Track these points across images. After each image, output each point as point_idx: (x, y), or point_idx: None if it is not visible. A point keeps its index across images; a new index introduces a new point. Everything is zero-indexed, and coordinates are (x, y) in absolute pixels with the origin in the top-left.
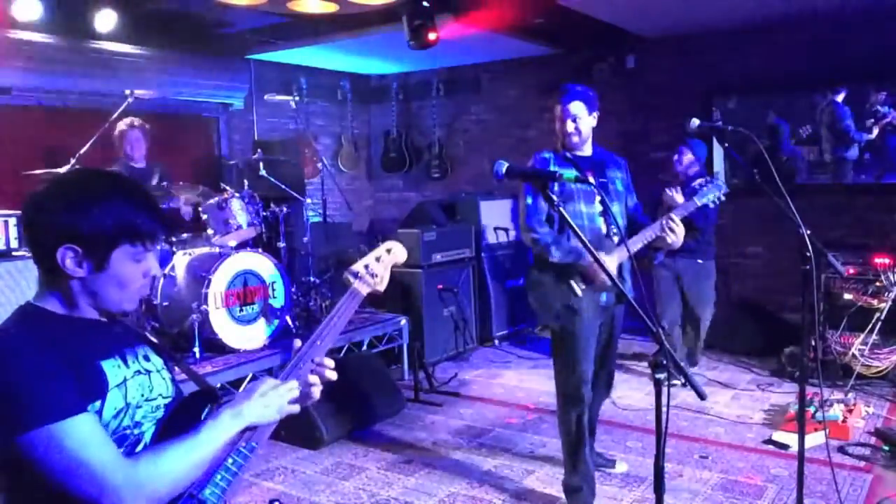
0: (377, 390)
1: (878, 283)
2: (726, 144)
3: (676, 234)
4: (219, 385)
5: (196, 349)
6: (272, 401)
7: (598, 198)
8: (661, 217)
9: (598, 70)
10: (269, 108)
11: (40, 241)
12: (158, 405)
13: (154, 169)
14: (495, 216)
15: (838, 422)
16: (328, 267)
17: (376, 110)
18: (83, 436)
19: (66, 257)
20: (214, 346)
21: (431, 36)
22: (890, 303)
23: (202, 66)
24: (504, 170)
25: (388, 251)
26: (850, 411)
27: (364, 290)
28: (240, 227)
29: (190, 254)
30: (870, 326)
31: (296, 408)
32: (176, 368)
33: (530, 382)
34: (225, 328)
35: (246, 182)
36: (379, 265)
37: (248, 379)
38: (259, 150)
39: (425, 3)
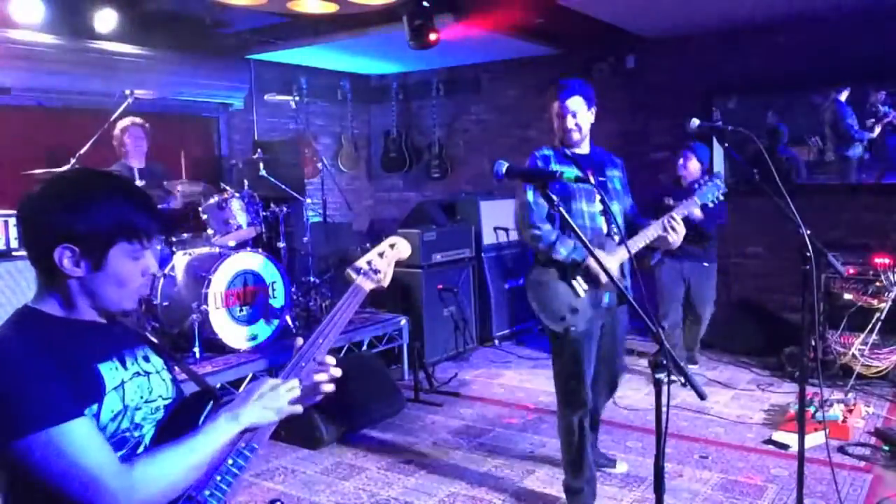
0: (377, 390)
1: (878, 283)
2: (726, 144)
3: (678, 234)
4: (219, 385)
5: (196, 349)
6: (271, 402)
7: (598, 197)
8: (662, 217)
9: (598, 70)
10: (269, 108)
11: (37, 241)
12: (158, 406)
13: (154, 169)
14: (495, 216)
15: (838, 422)
16: (328, 267)
17: (376, 110)
18: (79, 440)
19: (64, 257)
20: (214, 346)
21: (432, 36)
22: (890, 303)
23: (202, 66)
24: (504, 170)
25: (392, 246)
26: (850, 411)
27: (367, 286)
28: (240, 227)
29: (190, 254)
30: (870, 326)
31: (297, 408)
32: (176, 369)
33: (530, 382)
34: (225, 328)
35: (246, 182)
36: (382, 261)
37: (248, 379)
38: (259, 150)
39: (425, 3)
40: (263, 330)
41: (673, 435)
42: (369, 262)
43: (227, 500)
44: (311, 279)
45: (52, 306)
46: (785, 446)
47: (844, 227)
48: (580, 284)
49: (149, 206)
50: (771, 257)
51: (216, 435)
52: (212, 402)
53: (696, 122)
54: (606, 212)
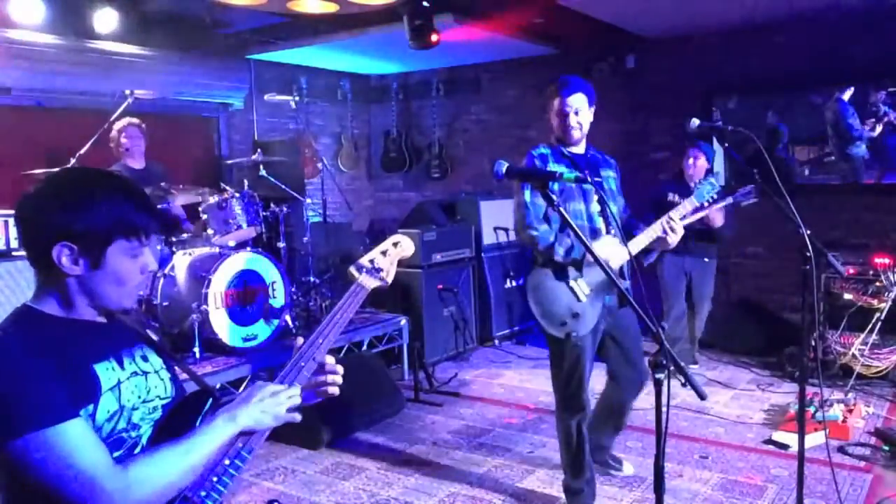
0: (377, 390)
1: (878, 283)
2: (726, 144)
3: (676, 234)
4: (219, 385)
5: (196, 349)
6: (270, 407)
7: (595, 197)
8: (662, 217)
9: (597, 70)
10: (269, 108)
11: (35, 240)
12: (156, 406)
13: (153, 169)
14: (495, 216)
15: (838, 422)
16: (328, 267)
17: (376, 110)
18: (74, 441)
19: (62, 255)
20: (214, 346)
21: (433, 37)
22: (890, 303)
23: (202, 66)
24: (504, 170)
25: (395, 245)
26: (850, 411)
27: (370, 285)
28: (240, 227)
29: (190, 254)
30: (870, 326)
31: (295, 416)
32: (176, 368)
33: (530, 382)
34: (225, 328)
35: (246, 182)
36: (385, 259)
37: (247, 379)
38: (259, 150)
39: (425, 3)
40: (263, 330)
41: (673, 435)
42: (372, 261)
43: (224, 501)
44: (311, 279)
45: (51, 305)
46: (785, 446)
47: (844, 227)
48: (581, 288)
49: (147, 204)
50: (771, 257)
51: (213, 436)
52: (210, 402)
53: (695, 122)
54: (604, 212)
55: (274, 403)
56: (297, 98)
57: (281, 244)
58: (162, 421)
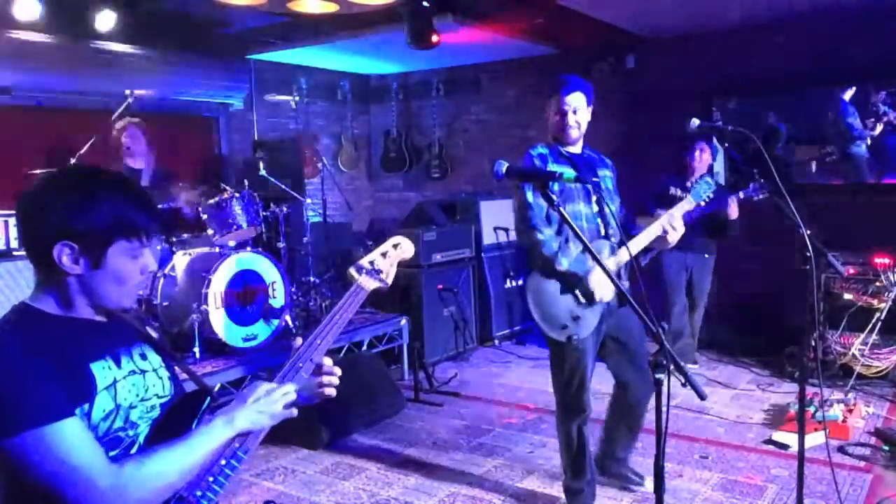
0: (377, 390)
1: (878, 283)
2: (726, 144)
3: (677, 233)
4: (218, 385)
5: (196, 349)
6: (266, 407)
7: (594, 198)
8: (662, 217)
9: (597, 70)
10: (270, 107)
11: (36, 238)
12: (154, 405)
13: (153, 169)
14: (495, 216)
15: (838, 422)
16: (328, 267)
17: (376, 110)
18: (69, 440)
19: (63, 254)
20: (214, 346)
21: (433, 38)
22: (890, 303)
23: (202, 66)
24: (504, 170)
25: (395, 246)
26: (850, 411)
27: (369, 286)
28: (240, 227)
29: (190, 254)
30: (870, 326)
31: (292, 412)
32: (175, 367)
33: (530, 382)
34: (225, 328)
35: (246, 182)
36: (385, 261)
37: (247, 379)
38: (259, 150)
39: (425, 3)
40: (263, 330)
41: (673, 435)
42: (372, 262)
43: (219, 501)
44: (311, 279)
45: (49, 304)
46: (785, 446)
47: (844, 227)
48: (580, 293)
49: (148, 204)
50: (771, 257)
51: (210, 438)
52: (207, 402)
53: (696, 122)
54: (603, 213)
55: (269, 402)
56: (297, 98)
57: (281, 244)
58: (159, 420)
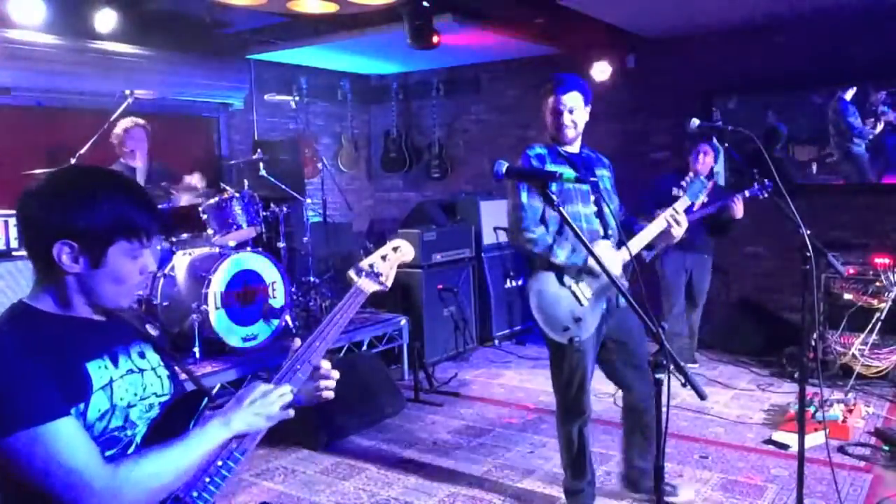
0: (377, 390)
1: (878, 283)
2: (726, 144)
3: (681, 227)
4: (218, 385)
5: (196, 349)
6: (262, 408)
7: (592, 198)
8: (665, 211)
9: (597, 70)
10: (269, 108)
11: (36, 237)
12: (152, 404)
13: (154, 168)
14: (495, 216)
15: (838, 422)
16: (328, 267)
17: (376, 110)
18: (63, 440)
19: (63, 253)
20: (214, 346)
21: (434, 39)
22: (890, 303)
23: (202, 66)
24: (504, 170)
25: (395, 249)
26: (850, 411)
27: (369, 289)
28: (240, 227)
29: (190, 254)
30: (870, 326)
31: (288, 413)
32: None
33: (530, 382)
34: (225, 328)
35: (246, 182)
36: (385, 264)
37: (247, 379)
38: (259, 150)
39: (425, 3)
40: (263, 330)
41: (673, 435)
42: (372, 265)
43: (216, 502)
44: (311, 279)
45: (47, 303)
46: (785, 446)
47: (844, 226)
48: (582, 291)
49: (149, 205)
50: (771, 257)
51: (206, 440)
52: (205, 402)
53: (696, 122)
54: (601, 213)
55: (265, 404)
56: (297, 98)
57: (281, 244)
58: (157, 420)
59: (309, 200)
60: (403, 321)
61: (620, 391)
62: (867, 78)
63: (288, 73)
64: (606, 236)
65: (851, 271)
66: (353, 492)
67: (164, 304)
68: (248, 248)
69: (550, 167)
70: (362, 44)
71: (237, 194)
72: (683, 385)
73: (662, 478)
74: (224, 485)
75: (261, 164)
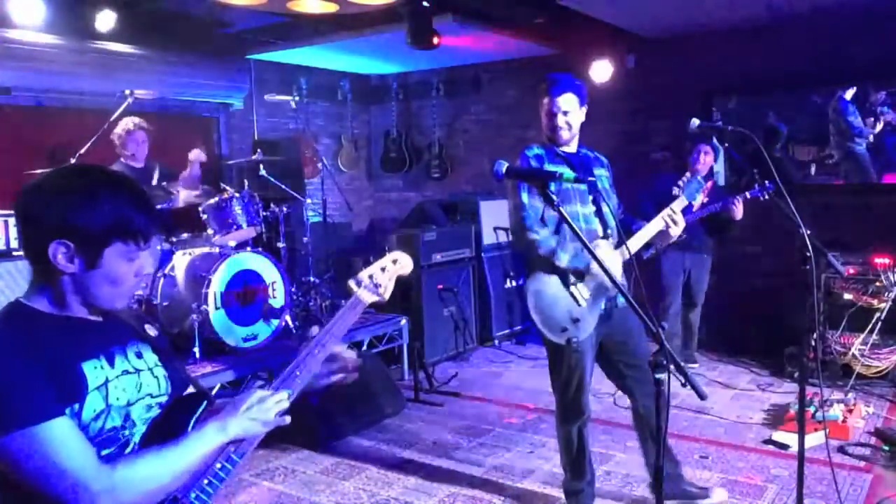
0: (377, 390)
1: (878, 283)
2: (726, 144)
3: (679, 226)
4: (218, 385)
5: (196, 349)
6: (259, 414)
7: (590, 197)
8: (663, 210)
9: (597, 70)
10: (269, 108)
11: (33, 235)
12: (150, 405)
13: (154, 168)
14: (495, 216)
15: (838, 422)
16: (328, 267)
17: (376, 110)
18: (59, 439)
19: (58, 252)
20: (214, 346)
21: (434, 39)
22: (890, 303)
23: (202, 66)
24: (504, 170)
25: (394, 262)
26: (850, 411)
27: (367, 300)
28: (240, 227)
29: (190, 254)
30: (870, 326)
31: (284, 420)
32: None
33: (530, 382)
34: (225, 328)
35: (246, 182)
36: (384, 275)
37: (247, 380)
38: (259, 150)
39: (425, 4)
40: (263, 330)
41: (673, 435)
42: (371, 276)
43: (212, 503)
44: (311, 279)
45: (43, 303)
46: (785, 446)
47: (844, 226)
48: (581, 292)
49: (148, 207)
50: (771, 257)
51: (203, 444)
52: (204, 404)
53: (696, 122)
54: (600, 213)
55: (262, 410)
56: (297, 98)
57: (281, 244)
58: (156, 420)
59: (309, 200)
60: (403, 321)
61: (620, 392)
62: (867, 78)
63: (288, 73)
64: (605, 236)
65: (851, 271)
66: (353, 492)
67: (164, 304)
68: (248, 248)
69: (549, 167)
70: (362, 44)
71: (237, 194)
72: (683, 385)
73: (663, 478)
74: (221, 486)
75: (261, 164)
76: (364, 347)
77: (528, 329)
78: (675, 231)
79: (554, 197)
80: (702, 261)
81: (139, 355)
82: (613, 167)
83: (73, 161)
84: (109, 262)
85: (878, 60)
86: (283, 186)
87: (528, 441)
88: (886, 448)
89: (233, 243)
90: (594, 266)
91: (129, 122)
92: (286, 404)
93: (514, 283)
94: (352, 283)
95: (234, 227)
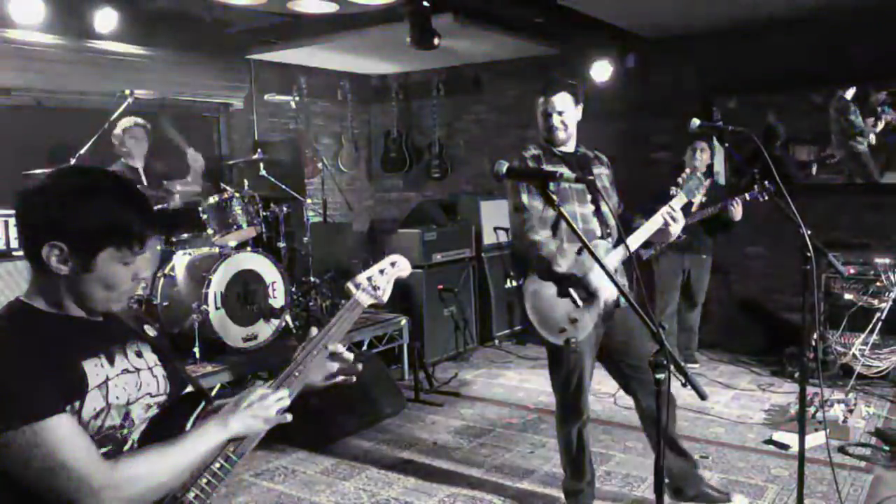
0: (377, 390)
1: (878, 283)
2: (727, 144)
3: (678, 224)
4: (219, 385)
5: (196, 349)
6: (260, 412)
7: (589, 197)
8: (662, 208)
9: (597, 70)
10: (269, 107)
11: (30, 236)
12: (149, 404)
13: (154, 168)
14: (496, 216)
15: (839, 422)
16: (328, 267)
17: (376, 110)
18: (61, 436)
19: (52, 254)
20: (214, 346)
21: (434, 40)
22: (890, 303)
23: (202, 66)
24: (505, 169)
25: (393, 264)
26: (851, 411)
27: (366, 302)
28: (240, 226)
29: (190, 254)
30: (870, 326)
31: (286, 417)
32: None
33: (531, 382)
34: (225, 328)
35: (246, 182)
36: (382, 278)
37: (248, 379)
38: (259, 150)
39: (425, 3)
40: (263, 330)
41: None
42: (369, 278)
43: (211, 503)
44: (311, 279)
45: (41, 302)
46: (785, 446)
47: (845, 226)
48: (578, 295)
49: (145, 210)
50: (771, 257)
51: (204, 441)
52: (203, 404)
53: (696, 122)
54: (599, 213)
55: (262, 408)
56: (297, 98)
57: (281, 244)
58: (155, 420)
59: (309, 200)
60: (403, 321)
61: (621, 392)
62: (867, 78)
63: (288, 73)
64: (603, 236)
65: (852, 271)
66: (354, 492)
67: (164, 304)
68: (248, 248)
69: (547, 167)
70: (362, 44)
71: (237, 194)
72: (684, 385)
73: (663, 478)
74: (220, 486)
75: (261, 164)
76: (364, 347)
77: (528, 329)
78: (675, 228)
79: (554, 197)
80: (701, 261)
81: (139, 355)
82: (614, 167)
83: (72, 161)
84: (104, 265)
85: (879, 61)
86: (284, 186)
87: (528, 441)
88: (887, 448)
89: (233, 243)
90: (592, 276)
91: (127, 121)
92: (287, 402)
93: (514, 283)
94: (350, 286)
95: (235, 227)
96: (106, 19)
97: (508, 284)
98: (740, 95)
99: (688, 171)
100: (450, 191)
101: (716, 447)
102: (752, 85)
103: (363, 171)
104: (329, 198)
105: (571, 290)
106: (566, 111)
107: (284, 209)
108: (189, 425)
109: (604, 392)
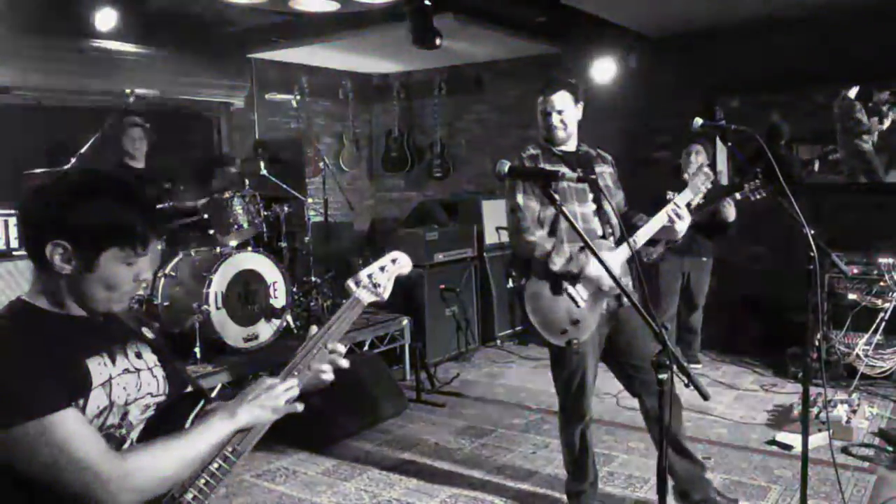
0: (379, 391)
1: (882, 283)
2: (729, 143)
3: (684, 221)
4: (219, 385)
5: (197, 349)
6: (268, 401)
7: (591, 196)
8: (667, 205)
9: (599, 69)
10: (271, 107)
11: (33, 235)
12: (148, 404)
13: (154, 168)
14: (497, 216)
15: (842, 422)
16: (329, 266)
17: (378, 109)
18: (69, 430)
19: (55, 253)
20: (215, 346)
21: (436, 40)
22: (894, 302)
23: (202, 66)
24: (507, 169)
25: (393, 261)
26: (854, 412)
27: (366, 299)
28: (241, 226)
29: (190, 254)
30: (874, 326)
31: (296, 407)
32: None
33: (533, 383)
34: (226, 328)
35: (247, 182)
36: (383, 275)
37: (248, 380)
38: (260, 150)
39: (427, 3)
40: (264, 330)
41: None
42: (370, 276)
43: (209, 503)
44: (312, 279)
45: (43, 301)
46: (788, 447)
47: (848, 226)
48: (579, 293)
49: (147, 211)
50: (774, 257)
51: (211, 432)
52: (202, 404)
53: (699, 121)
54: (601, 212)
55: (271, 398)
56: (298, 97)
57: (282, 244)
58: (153, 419)
59: (310, 200)
60: (405, 321)
61: (624, 393)
62: (871, 78)
63: (289, 72)
64: (605, 235)
65: (855, 271)
66: (355, 493)
67: (165, 304)
68: (249, 248)
69: (545, 167)
70: (364, 43)
71: (238, 194)
72: (686, 385)
73: (665, 478)
74: (218, 487)
75: (262, 164)
76: (366, 348)
77: (529, 329)
78: (681, 226)
79: (556, 196)
80: (701, 264)
81: (139, 355)
82: (616, 166)
83: (73, 161)
84: (106, 265)
85: (882, 60)
86: (285, 186)
87: (530, 442)
88: (890, 449)
89: (234, 243)
90: (589, 270)
91: (126, 122)
92: (296, 392)
93: (516, 283)
94: (350, 283)
95: (235, 226)
96: (106, 18)
97: (510, 284)
98: (743, 95)
99: (692, 169)
100: (451, 190)
101: (718, 448)
102: (754, 84)
103: (364, 171)
104: (330, 197)
105: (571, 291)
106: (565, 110)
107: (285, 209)
108: (188, 424)
109: (605, 392)
